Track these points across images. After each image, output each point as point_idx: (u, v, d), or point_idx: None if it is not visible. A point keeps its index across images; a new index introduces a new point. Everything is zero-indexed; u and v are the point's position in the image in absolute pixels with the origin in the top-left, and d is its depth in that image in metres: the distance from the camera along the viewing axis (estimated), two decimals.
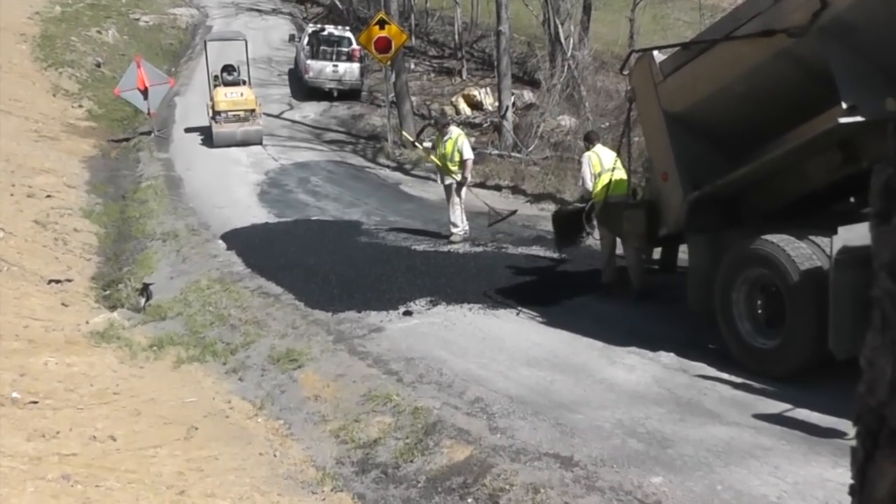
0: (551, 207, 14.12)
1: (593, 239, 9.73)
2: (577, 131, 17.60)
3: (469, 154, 11.83)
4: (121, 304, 10.61)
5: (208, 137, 20.09)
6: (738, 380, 6.48)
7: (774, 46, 6.16)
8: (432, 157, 12.35)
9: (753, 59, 6.39)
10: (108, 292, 11.14)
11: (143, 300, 10.71)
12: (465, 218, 11.95)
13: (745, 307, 6.75)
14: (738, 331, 6.76)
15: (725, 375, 6.60)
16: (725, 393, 6.33)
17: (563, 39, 20.00)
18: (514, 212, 12.98)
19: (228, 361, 8.08)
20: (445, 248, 11.31)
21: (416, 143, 13.34)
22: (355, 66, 25.02)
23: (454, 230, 11.83)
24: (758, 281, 6.65)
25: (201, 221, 13.57)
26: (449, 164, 11.84)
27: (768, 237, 6.45)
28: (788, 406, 5.94)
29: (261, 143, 20.07)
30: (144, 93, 20.41)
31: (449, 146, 11.82)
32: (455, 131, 12.10)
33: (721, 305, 6.90)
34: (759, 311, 6.70)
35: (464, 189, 11.92)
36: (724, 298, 6.84)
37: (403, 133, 16.61)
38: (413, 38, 28.30)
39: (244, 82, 20.94)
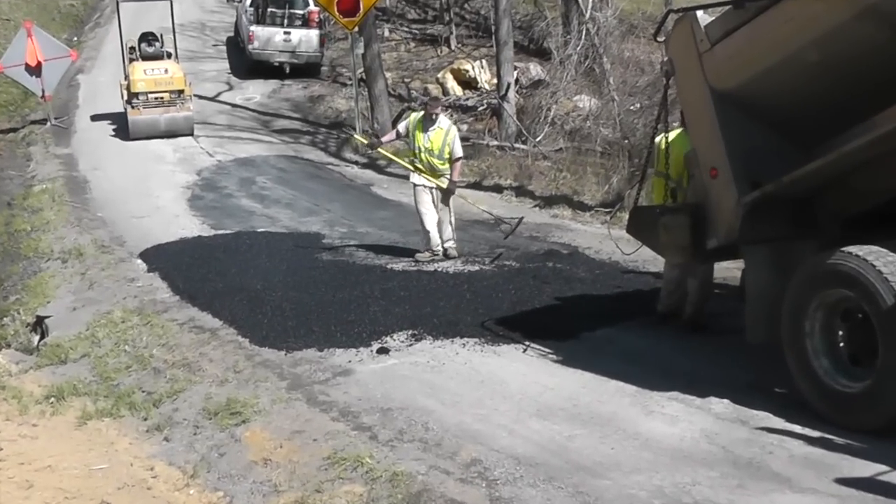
0: (566, 213, 14.23)
1: (624, 254, 9.73)
2: (599, 115, 17.60)
3: (461, 152, 11.77)
4: (6, 343, 10.55)
5: (123, 127, 20.04)
6: (815, 433, 6.44)
7: (857, 3, 6.15)
8: (398, 158, 12.22)
9: (829, 20, 6.36)
10: None
11: (36, 338, 10.65)
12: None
13: (822, 339, 6.71)
14: (813, 370, 6.73)
15: (797, 428, 6.55)
16: (797, 451, 6.29)
17: None
18: (522, 219, 12.98)
19: (151, 416, 8.04)
20: (430, 268, 11.31)
21: (371, 146, 13.20)
22: (313, 33, 25.06)
23: (448, 245, 11.73)
24: (839, 305, 6.63)
25: (114, 236, 13.54)
26: (437, 162, 11.63)
27: (851, 249, 6.42)
28: (883, 468, 5.90)
29: (191, 134, 20.10)
30: (37, 70, 20.34)
31: (436, 139, 11.54)
32: (446, 121, 11.93)
33: (790, 337, 6.86)
34: (842, 345, 6.68)
35: (451, 197, 11.83)
36: (795, 328, 6.81)
37: (355, 135, 16.44)
38: None
39: (169, 55, 20.93)
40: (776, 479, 5.92)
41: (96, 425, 8.02)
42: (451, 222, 11.83)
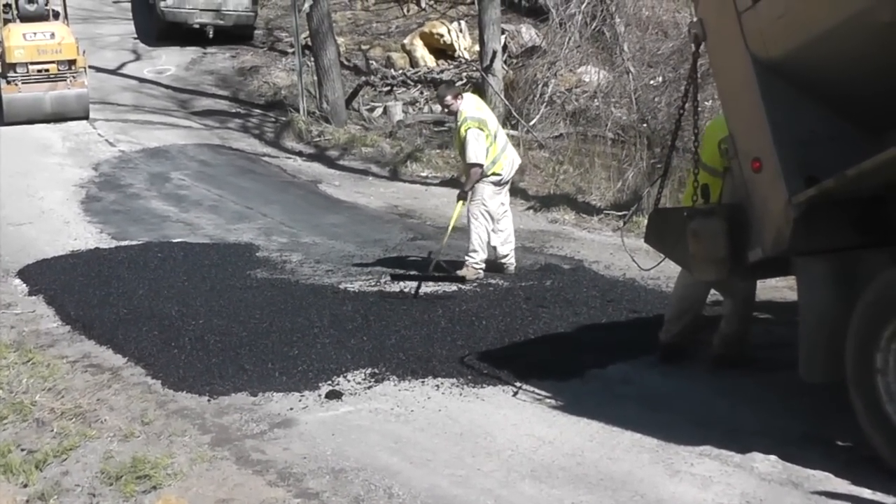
0: (568, 217, 14.28)
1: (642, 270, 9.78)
2: (611, 92, 17.63)
3: (475, 157, 11.54)
4: None
5: None
6: (890, 499, 6.40)
7: None
8: None
9: None
10: None
11: None
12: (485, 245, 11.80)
13: None
14: (886, 416, 6.70)
15: (866, 492, 6.52)
16: None
17: None
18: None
19: (32, 481, 7.86)
20: (395, 288, 11.37)
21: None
22: None
23: (468, 259, 11.72)
24: None
25: None
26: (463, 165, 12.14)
27: None
28: None
29: (86, 117, 20.15)
30: None
31: (455, 139, 11.93)
32: (461, 115, 11.72)
33: (857, 375, 6.85)
34: None
35: (471, 205, 11.78)
36: (863, 363, 6.79)
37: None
38: None
39: (56, 15, 20.90)
40: None
41: None
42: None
